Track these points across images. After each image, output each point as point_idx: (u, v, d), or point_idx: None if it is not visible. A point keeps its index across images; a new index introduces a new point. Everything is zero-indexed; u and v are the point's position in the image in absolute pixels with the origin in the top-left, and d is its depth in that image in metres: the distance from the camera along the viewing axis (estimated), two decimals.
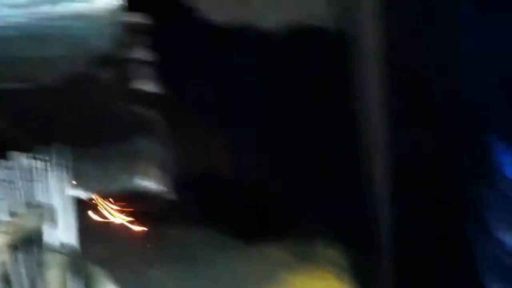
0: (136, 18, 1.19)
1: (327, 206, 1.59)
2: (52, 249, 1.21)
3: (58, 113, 1.25)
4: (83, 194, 1.40)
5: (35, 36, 1.02)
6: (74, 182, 1.37)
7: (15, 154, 1.26)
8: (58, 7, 1.02)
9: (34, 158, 1.29)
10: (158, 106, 1.29)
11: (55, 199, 1.27)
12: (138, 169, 1.41)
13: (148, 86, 1.22)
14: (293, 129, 1.59)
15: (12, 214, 1.23)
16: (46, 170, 1.30)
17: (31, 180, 1.26)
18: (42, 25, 1.02)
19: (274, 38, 1.34)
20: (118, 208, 1.64)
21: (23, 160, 1.26)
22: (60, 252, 1.21)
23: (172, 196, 1.44)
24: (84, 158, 1.40)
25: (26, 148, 1.29)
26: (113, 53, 1.07)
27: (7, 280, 1.15)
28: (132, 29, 1.19)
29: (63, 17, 1.01)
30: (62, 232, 1.23)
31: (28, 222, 1.21)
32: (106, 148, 1.41)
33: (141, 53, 1.21)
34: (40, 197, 1.24)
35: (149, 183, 1.41)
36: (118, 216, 1.64)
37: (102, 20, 1.04)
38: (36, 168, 1.27)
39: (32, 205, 1.25)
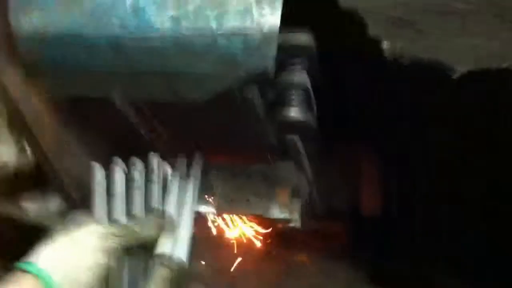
0: (300, 40, 1.11)
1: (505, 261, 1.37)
2: (161, 262, 1.16)
3: (202, 127, 1.22)
4: (210, 211, 1.36)
5: (189, 51, 0.99)
6: (205, 197, 1.34)
7: (152, 158, 1.24)
8: (216, 23, 0.98)
9: (169, 166, 1.27)
10: (307, 134, 1.19)
11: (178, 211, 1.23)
12: (275, 194, 1.34)
13: (300, 112, 1.13)
14: (467, 174, 1.40)
15: (131, 217, 1.20)
16: (177, 180, 1.27)
17: (159, 187, 1.23)
18: (198, 40, 0.99)
19: (463, 81, 1.16)
20: (245, 230, 1.60)
21: (157, 165, 1.24)
22: (169, 267, 1.16)
23: (301, 225, 1.34)
24: (219, 175, 1.36)
25: (164, 155, 1.28)
26: (268, 75, 1.00)
27: (106, 284, 1.11)
28: (293, 52, 1.11)
29: (221, 34, 0.97)
30: (177, 247, 1.19)
31: (144, 229, 1.17)
32: (244, 169, 1.36)
33: (298, 77, 1.12)
34: (164, 206, 1.21)
35: (283, 211, 1.32)
36: (243, 237, 1.59)
37: (261, 40, 0.97)
38: (169, 176, 1.25)
39: (153, 213, 1.22)
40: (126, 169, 1.23)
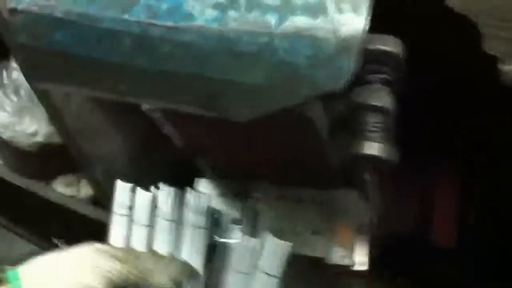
0: (385, 44, 0.82)
1: None
2: None
3: (246, 142, 0.97)
4: None
5: (236, 52, 0.73)
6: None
7: (189, 195, 1.02)
8: (277, 18, 0.71)
9: (214, 194, 1.03)
10: (384, 169, 0.91)
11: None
12: (334, 230, 1.06)
13: (379, 147, 0.84)
14: None
15: (150, 251, 0.97)
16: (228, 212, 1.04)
17: (191, 230, 1.00)
18: (249, 39, 0.72)
19: None
20: None
21: (193, 204, 1.01)
22: None
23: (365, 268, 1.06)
24: (264, 197, 1.09)
25: (208, 177, 1.05)
26: (340, 93, 0.73)
27: None
28: (375, 60, 0.83)
29: (282, 34, 0.70)
30: None
31: (160, 270, 0.93)
32: (295, 191, 1.09)
33: (379, 98, 0.83)
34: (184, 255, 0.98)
35: (345, 255, 1.04)
36: None
37: (336, 47, 0.69)
38: (211, 205, 1.01)
39: (178, 258, 0.98)
40: (156, 194, 1.01)
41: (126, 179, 1.11)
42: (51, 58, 0.74)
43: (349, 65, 0.68)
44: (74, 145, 1.57)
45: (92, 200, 1.88)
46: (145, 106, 0.92)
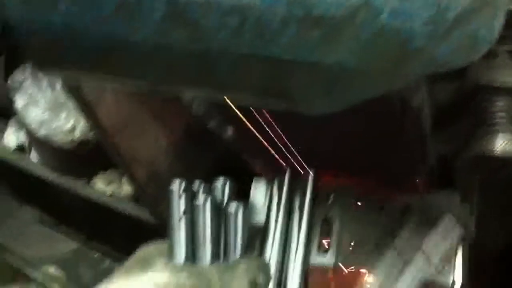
0: None
1: None
2: None
3: (321, 137, 0.77)
4: (329, 262, 0.87)
5: (312, 20, 0.50)
6: (320, 241, 0.87)
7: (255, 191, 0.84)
8: None
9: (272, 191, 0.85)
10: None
11: (282, 263, 0.83)
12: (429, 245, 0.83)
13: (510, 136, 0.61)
14: None
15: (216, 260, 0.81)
16: (281, 214, 0.86)
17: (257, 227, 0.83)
18: (330, 7, 0.48)
19: None
20: None
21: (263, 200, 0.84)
22: None
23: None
24: (339, 203, 0.87)
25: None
26: (453, 71, 0.49)
27: None
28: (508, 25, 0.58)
29: None
30: None
31: (228, 280, 0.76)
32: (377, 197, 0.86)
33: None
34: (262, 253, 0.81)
35: (445, 272, 0.81)
36: None
37: (467, 9, 0.45)
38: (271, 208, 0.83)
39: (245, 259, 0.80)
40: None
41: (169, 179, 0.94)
42: (53, 38, 0.53)
43: (491, 27, 0.44)
44: (111, 143, 1.42)
45: (135, 198, 1.75)
46: (186, 97, 0.70)
